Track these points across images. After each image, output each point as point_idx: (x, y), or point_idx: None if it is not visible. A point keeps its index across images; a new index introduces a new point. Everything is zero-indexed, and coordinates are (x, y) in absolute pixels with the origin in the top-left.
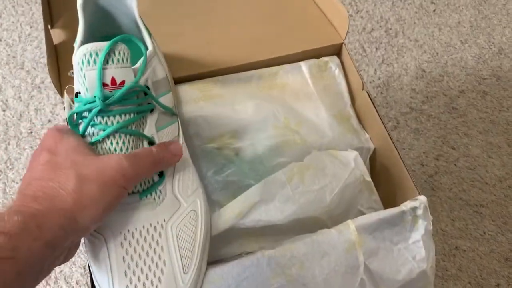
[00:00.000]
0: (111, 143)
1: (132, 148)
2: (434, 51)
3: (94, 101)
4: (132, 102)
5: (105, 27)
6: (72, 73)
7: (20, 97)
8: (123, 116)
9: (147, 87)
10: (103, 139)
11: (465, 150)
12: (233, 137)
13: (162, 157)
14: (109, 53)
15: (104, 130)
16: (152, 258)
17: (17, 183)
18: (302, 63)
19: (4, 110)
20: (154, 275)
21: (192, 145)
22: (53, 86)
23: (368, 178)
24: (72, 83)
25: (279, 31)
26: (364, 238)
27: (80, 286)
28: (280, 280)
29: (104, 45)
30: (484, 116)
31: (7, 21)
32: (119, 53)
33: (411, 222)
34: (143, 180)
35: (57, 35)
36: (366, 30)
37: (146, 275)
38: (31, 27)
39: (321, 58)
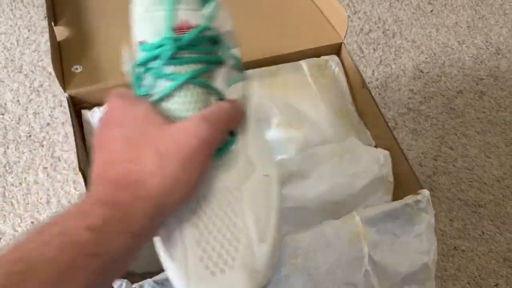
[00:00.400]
0: (179, 97)
1: (200, 104)
2: (432, 52)
3: (164, 45)
4: (202, 50)
5: None
6: (77, 68)
7: (18, 101)
8: (192, 65)
9: (219, 36)
10: (172, 92)
11: (463, 150)
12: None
13: (234, 114)
14: None
15: (174, 80)
16: (227, 225)
17: (16, 186)
18: (302, 62)
19: (2, 114)
20: (230, 244)
21: None
22: (53, 88)
23: (391, 179)
24: (76, 78)
25: (278, 31)
26: (368, 230)
27: None
28: (285, 270)
29: None
30: (482, 116)
31: (5, 24)
32: None
33: (414, 216)
34: None
35: (60, 32)
36: (363, 31)
37: (222, 244)
38: (29, 31)
39: (321, 57)
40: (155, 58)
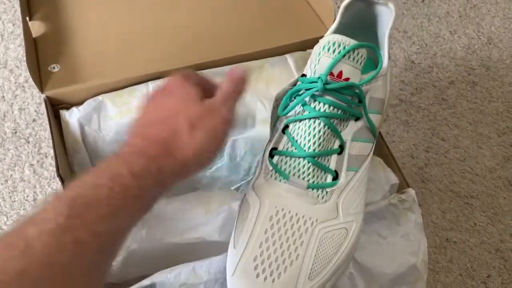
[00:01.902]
0: (305, 126)
1: (320, 139)
2: (423, 42)
3: (316, 82)
4: (345, 100)
5: (356, 26)
6: (54, 67)
7: (3, 97)
8: (331, 107)
9: (364, 97)
10: (304, 120)
11: (455, 141)
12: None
13: (240, 89)
14: (351, 50)
15: (309, 112)
16: (289, 246)
17: (2, 184)
18: (288, 56)
19: None
20: (283, 262)
21: None
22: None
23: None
24: (54, 78)
25: (265, 24)
26: None
27: None
28: None
29: (351, 42)
30: (474, 106)
31: None
32: (358, 55)
33: (399, 215)
34: (316, 174)
35: (37, 27)
36: None
37: (277, 257)
38: (13, 25)
39: (307, 50)
40: (305, 90)
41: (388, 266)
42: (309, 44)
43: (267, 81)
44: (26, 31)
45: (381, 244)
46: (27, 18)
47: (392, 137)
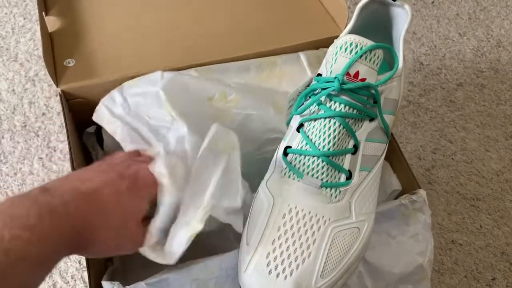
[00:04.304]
0: (320, 125)
1: (334, 138)
2: (432, 44)
3: (333, 82)
4: (360, 100)
5: (372, 27)
6: (69, 62)
7: (13, 90)
8: (346, 107)
9: (380, 97)
10: (319, 119)
11: (462, 143)
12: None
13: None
14: (368, 51)
15: (324, 111)
16: (302, 244)
17: (11, 177)
18: (301, 53)
19: None
20: (295, 260)
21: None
22: (49, 77)
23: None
24: (69, 72)
25: (277, 23)
26: None
27: (75, 280)
28: None
29: (368, 43)
30: (482, 109)
31: (0, 12)
32: (375, 55)
33: (409, 216)
34: (330, 173)
35: (52, 22)
36: None
37: (289, 255)
38: (24, 19)
39: (320, 49)
40: (321, 89)
41: (396, 266)
42: (321, 44)
43: (279, 78)
44: (43, 26)
45: (390, 244)
46: (44, 13)
47: (399, 138)
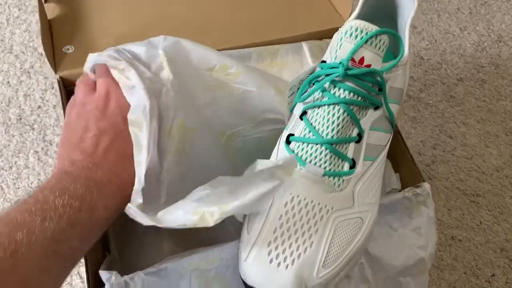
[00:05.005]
0: (324, 111)
1: (338, 126)
2: (433, 38)
3: (337, 67)
4: (365, 87)
5: (377, 15)
6: (68, 49)
7: (8, 82)
8: (351, 94)
9: (385, 85)
10: (323, 106)
11: (462, 139)
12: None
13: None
14: (373, 36)
15: (328, 98)
16: (304, 233)
17: (6, 170)
18: (303, 43)
19: None
20: (297, 249)
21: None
22: (45, 69)
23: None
24: (68, 59)
25: (280, 13)
26: None
27: (71, 276)
28: None
29: (374, 28)
30: (482, 104)
31: None
32: (380, 41)
33: (412, 209)
34: (334, 162)
35: (51, 9)
36: None
37: (291, 244)
38: (19, 10)
39: (323, 39)
40: (326, 75)
41: (397, 258)
42: (324, 35)
43: (280, 67)
44: (42, 11)
45: (392, 236)
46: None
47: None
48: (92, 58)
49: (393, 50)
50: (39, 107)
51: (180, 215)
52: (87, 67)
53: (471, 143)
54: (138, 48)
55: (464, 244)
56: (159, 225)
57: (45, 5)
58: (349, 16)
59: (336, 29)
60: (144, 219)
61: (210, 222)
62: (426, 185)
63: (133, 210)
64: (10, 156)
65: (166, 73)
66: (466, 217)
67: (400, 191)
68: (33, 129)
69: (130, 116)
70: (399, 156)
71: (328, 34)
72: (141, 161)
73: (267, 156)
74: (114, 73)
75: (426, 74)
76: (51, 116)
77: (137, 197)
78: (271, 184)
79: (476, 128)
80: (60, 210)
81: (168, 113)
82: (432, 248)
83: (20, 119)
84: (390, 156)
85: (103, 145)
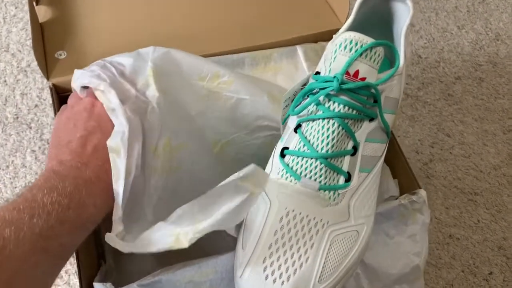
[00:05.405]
0: (318, 126)
1: (333, 140)
2: (431, 37)
3: (332, 81)
4: (360, 100)
5: (372, 21)
6: (60, 54)
7: (5, 81)
8: (346, 107)
9: (380, 97)
10: (317, 120)
11: (460, 137)
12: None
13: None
14: (368, 49)
15: (323, 112)
16: (299, 248)
17: (3, 170)
18: (298, 47)
19: None
20: (293, 265)
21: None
22: (40, 69)
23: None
24: (61, 65)
25: (276, 15)
26: None
27: (69, 275)
28: None
29: (369, 41)
30: (480, 103)
31: None
32: (375, 54)
33: (408, 216)
34: (329, 176)
35: (43, 12)
36: None
37: (286, 259)
38: (16, 8)
39: (319, 42)
40: (320, 89)
41: (393, 266)
42: (322, 37)
43: (274, 72)
44: (33, 16)
45: (388, 244)
46: (34, 2)
47: (397, 132)
48: (78, 75)
49: (389, 57)
50: (36, 106)
51: (159, 236)
52: (74, 85)
53: (469, 142)
54: (126, 60)
55: (461, 243)
56: (136, 252)
57: (36, 8)
58: (346, 18)
59: (333, 31)
60: (123, 247)
61: (185, 243)
62: (422, 192)
63: (112, 239)
64: (7, 155)
65: (152, 91)
66: (463, 216)
67: (397, 198)
68: (30, 128)
69: (109, 143)
70: (395, 162)
71: (325, 37)
72: (119, 190)
73: (263, 163)
74: (97, 93)
75: (424, 73)
76: (48, 115)
77: (117, 226)
78: (240, 197)
79: (474, 126)
80: (49, 207)
81: (153, 133)
82: (425, 253)
83: (17, 118)
84: (387, 161)
85: (91, 144)
